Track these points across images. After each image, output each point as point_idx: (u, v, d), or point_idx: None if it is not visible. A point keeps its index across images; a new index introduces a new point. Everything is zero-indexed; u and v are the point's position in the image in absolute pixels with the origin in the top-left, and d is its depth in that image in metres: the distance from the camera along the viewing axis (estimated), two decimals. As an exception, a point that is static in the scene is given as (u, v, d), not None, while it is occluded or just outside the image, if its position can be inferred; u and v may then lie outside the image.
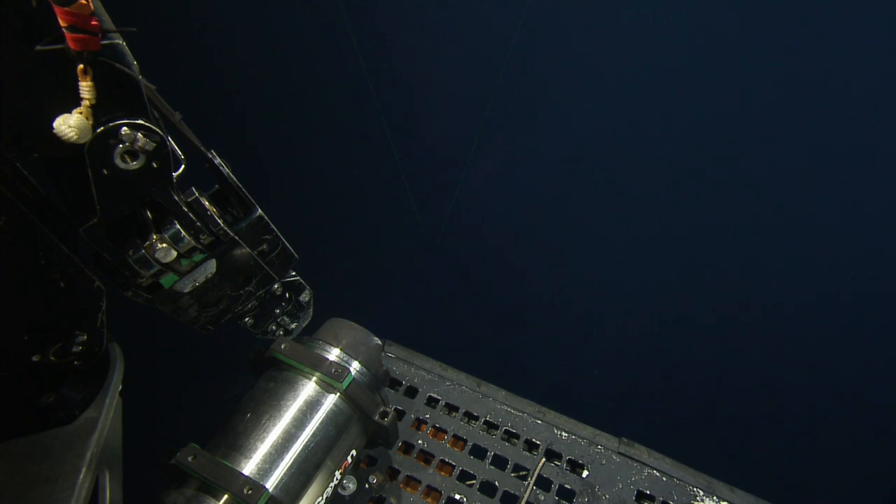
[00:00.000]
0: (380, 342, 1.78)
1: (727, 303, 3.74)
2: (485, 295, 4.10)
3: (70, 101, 0.92)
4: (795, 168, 3.50)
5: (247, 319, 1.71)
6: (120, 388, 1.20)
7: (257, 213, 1.44)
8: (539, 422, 1.88)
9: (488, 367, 2.19)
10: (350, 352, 1.70)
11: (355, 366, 1.66)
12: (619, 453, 1.80)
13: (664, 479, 1.74)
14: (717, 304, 3.73)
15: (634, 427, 2.03)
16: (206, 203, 1.28)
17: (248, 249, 1.45)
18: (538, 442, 1.82)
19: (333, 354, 1.67)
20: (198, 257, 1.30)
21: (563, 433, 1.84)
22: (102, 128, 0.97)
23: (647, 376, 3.71)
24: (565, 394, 2.34)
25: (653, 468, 1.76)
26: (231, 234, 1.34)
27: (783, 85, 3.37)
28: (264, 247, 1.53)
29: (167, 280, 1.25)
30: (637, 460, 1.78)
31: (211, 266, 1.36)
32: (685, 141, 3.66)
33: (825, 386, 3.59)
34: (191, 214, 1.22)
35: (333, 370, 1.58)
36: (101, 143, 0.98)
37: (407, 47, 3.70)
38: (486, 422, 1.89)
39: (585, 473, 1.75)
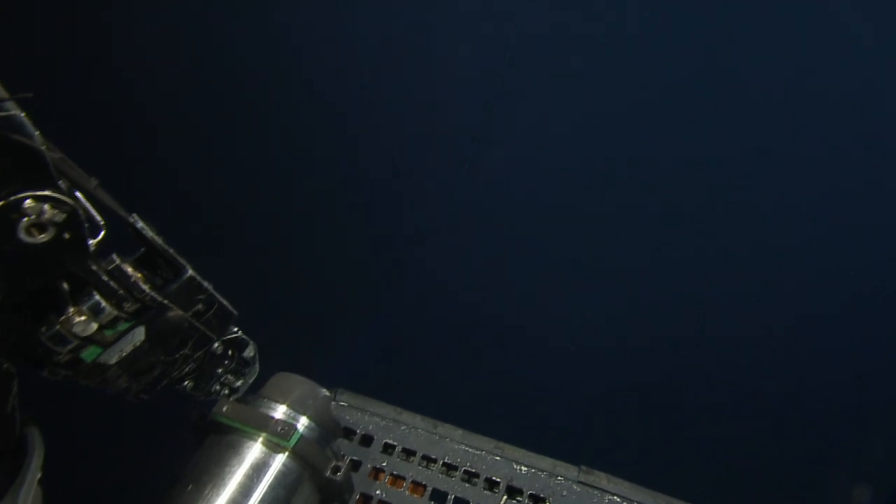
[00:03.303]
0: (328, 393, 1.74)
1: (679, 328, 3.84)
2: (439, 331, 4.08)
3: (-35, 179, 0.88)
4: (764, 190, 3.68)
5: (186, 383, 1.63)
6: (39, 475, 1.12)
7: (188, 274, 1.40)
8: (498, 458, 1.86)
9: (446, 405, 2.16)
10: (297, 407, 1.65)
11: (303, 421, 1.61)
12: (579, 482, 1.80)
13: (623, 503, 1.75)
14: (668, 330, 3.83)
15: (594, 449, 2.05)
16: (130, 269, 1.24)
17: (181, 312, 1.40)
18: (498, 479, 1.80)
19: (280, 412, 1.62)
20: (123, 326, 1.25)
21: (523, 467, 1.83)
22: (3, 202, 0.93)
23: (603, 401, 3.75)
24: (525, 425, 2.33)
25: (613, 494, 1.77)
26: (159, 298, 1.29)
27: (775, 111, 3.56)
28: (199, 307, 1.48)
29: (89, 353, 1.19)
30: (597, 487, 1.78)
31: (139, 333, 1.30)
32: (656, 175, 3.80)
33: (779, 405, 3.72)
34: (112, 283, 1.17)
35: (280, 428, 1.52)
36: (1, 217, 0.94)
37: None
38: (444, 463, 1.86)
39: (547, 507, 1.74)
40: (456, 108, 3.88)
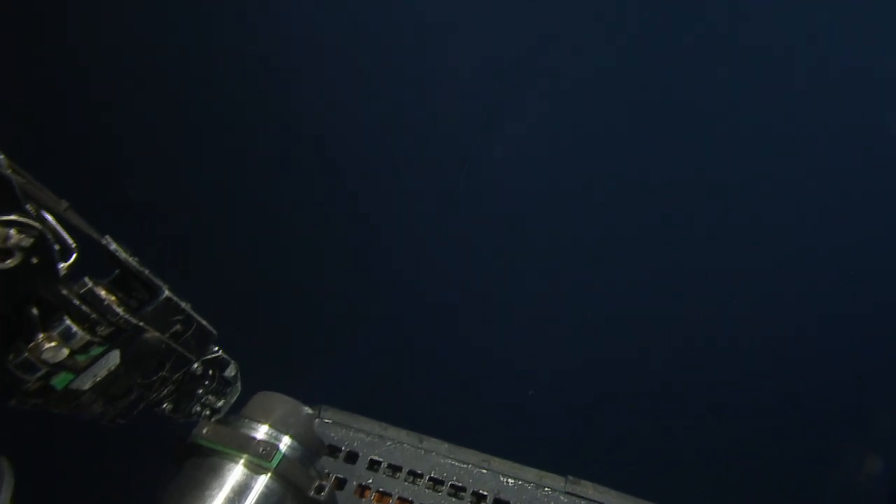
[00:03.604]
0: (311, 411, 1.71)
1: (671, 336, 3.81)
2: (420, 346, 4.03)
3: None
4: (763, 192, 3.68)
5: (165, 406, 1.60)
6: (9, 508, 1.08)
7: (164, 295, 1.38)
8: (484, 471, 1.85)
9: (432, 419, 2.15)
10: (280, 427, 1.62)
11: (286, 441, 1.59)
12: (567, 493, 1.79)
13: (611, 512, 1.75)
14: (660, 338, 3.80)
15: (582, 457, 2.04)
16: (104, 291, 1.21)
17: (158, 334, 1.38)
18: (485, 493, 1.79)
19: (262, 432, 1.59)
20: (96, 350, 1.22)
21: (510, 480, 1.82)
22: (-33, 229, 0.91)
23: (591, 408, 3.73)
24: (510, 436, 2.32)
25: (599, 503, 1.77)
26: (134, 321, 1.27)
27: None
28: (177, 327, 1.46)
29: (60, 380, 1.16)
30: (584, 497, 1.78)
31: (114, 357, 1.27)
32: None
33: (769, 412, 3.70)
34: (84, 307, 1.14)
35: (262, 449, 1.50)
36: None
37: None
38: (431, 478, 1.84)
39: (535, 519, 1.73)
40: (452, 120, 3.87)
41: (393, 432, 1.97)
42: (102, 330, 1.20)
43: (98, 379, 1.24)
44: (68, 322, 1.12)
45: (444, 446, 1.93)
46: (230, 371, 1.79)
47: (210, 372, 1.71)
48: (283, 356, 3.34)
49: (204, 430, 1.51)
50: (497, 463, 1.87)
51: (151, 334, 1.36)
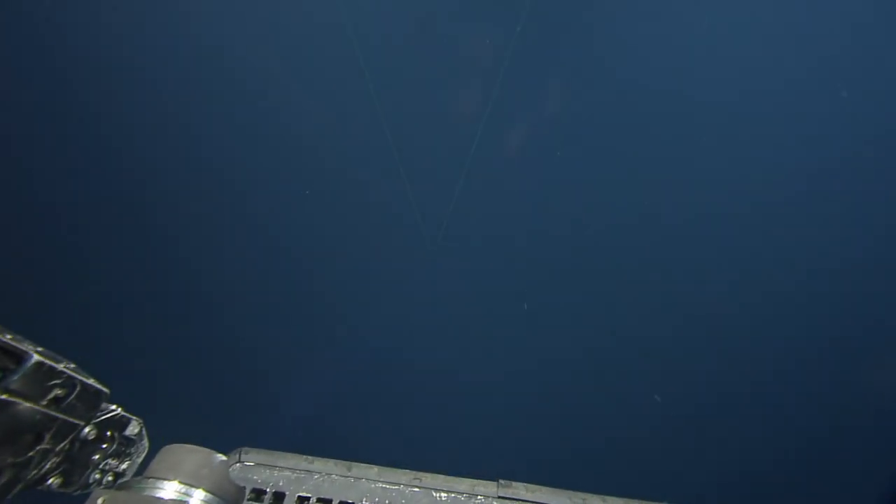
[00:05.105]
0: (225, 458, 1.61)
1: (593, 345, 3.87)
2: (340, 367, 3.93)
3: None
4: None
5: (51, 481, 1.45)
6: None
7: (33, 360, 1.25)
8: (417, 489, 1.81)
9: (362, 443, 2.10)
10: (190, 480, 1.51)
11: (199, 495, 1.48)
12: (499, 497, 1.80)
13: (544, 509, 1.77)
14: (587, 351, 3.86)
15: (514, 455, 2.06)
16: (-50, 369, 1.08)
17: (30, 404, 1.24)
18: (419, 511, 1.76)
19: (170, 490, 1.47)
20: (-52, 436, 1.08)
21: (443, 494, 1.80)
22: None
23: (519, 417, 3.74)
24: (441, 448, 2.31)
25: (533, 503, 1.78)
26: (-7, 395, 1.13)
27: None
28: (57, 392, 1.32)
29: None
30: (517, 499, 1.79)
31: (-29, 440, 1.13)
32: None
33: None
34: (-78, 390, 1.01)
35: (169, 510, 1.39)
36: None
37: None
38: (363, 506, 1.78)
39: (472, 529, 1.72)
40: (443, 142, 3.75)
41: (320, 464, 1.90)
42: (-47, 412, 1.07)
43: (-46, 468, 1.10)
44: None
45: (374, 470, 1.88)
46: (132, 429, 1.66)
47: (108, 433, 1.58)
48: (200, 405, 3.14)
49: (99, 501, 1.37)
50: (429, 479, 1.84)
51: (21, 406, 1.22)
